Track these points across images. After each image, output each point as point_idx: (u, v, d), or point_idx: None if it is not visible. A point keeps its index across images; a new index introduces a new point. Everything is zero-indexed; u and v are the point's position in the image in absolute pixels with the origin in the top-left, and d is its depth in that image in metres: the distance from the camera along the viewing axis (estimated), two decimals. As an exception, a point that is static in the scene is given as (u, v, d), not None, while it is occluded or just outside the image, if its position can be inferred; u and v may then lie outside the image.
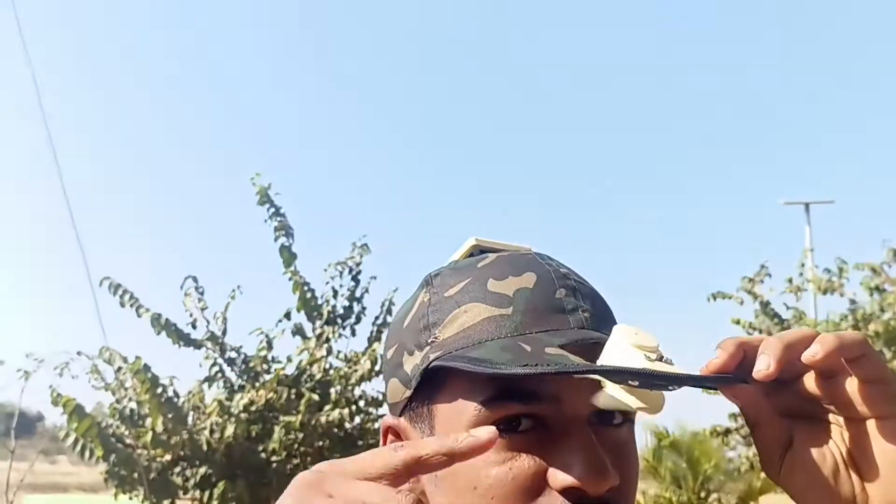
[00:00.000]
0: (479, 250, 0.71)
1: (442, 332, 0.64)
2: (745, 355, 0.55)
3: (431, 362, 0.62)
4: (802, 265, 11.33)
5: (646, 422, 8.46)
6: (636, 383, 0.55)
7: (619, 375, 0.55)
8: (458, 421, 0.61)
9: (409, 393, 0.66)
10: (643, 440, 8.29)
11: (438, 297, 0.66)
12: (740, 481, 8.12)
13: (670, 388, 0.57)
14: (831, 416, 0.57)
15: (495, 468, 0.59)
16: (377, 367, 7.36)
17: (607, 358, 0.58)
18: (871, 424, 0.55)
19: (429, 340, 0.64)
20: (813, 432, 0.58)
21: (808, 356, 0.53)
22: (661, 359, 0.57)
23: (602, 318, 0.66)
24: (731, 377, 0.56)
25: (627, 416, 0.64)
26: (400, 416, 0.69)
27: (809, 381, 0.57)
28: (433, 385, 0.64)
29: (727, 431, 10.86)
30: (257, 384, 7.03)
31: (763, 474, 7.46)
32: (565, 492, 0.58)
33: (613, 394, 0.56)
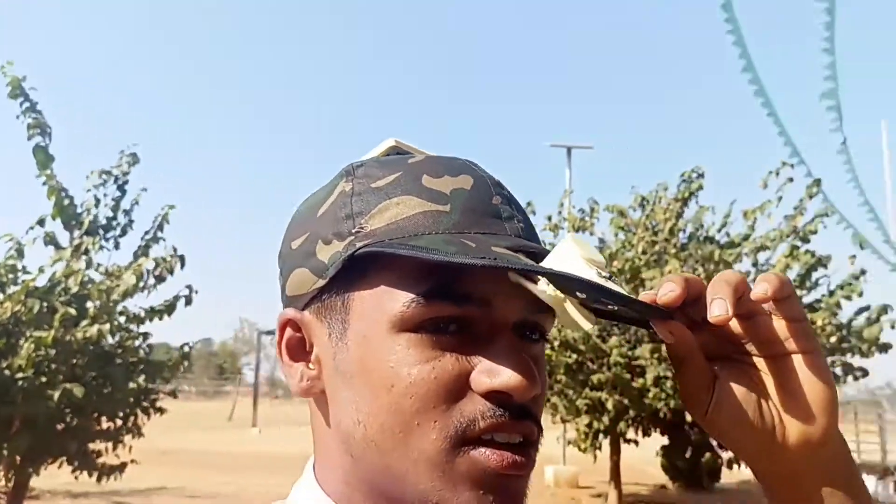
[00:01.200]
0: (396, 151, 0.68)
1: (369, 222, 0.59)
2: (689, 294, 0.55)
3: (358, 249, 0.58)
4: (562, 205, 12.21)
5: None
6: (583, 296, 0.53)
7: (577, 283, 0.52)
8: (381, 314, 0.57)
9: (321, 283, 0.60)
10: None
11: (364, 188, 0.61)
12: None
13: (609, 308, 0.55)
14: (752, 356, 0.57)
15: (417, 367, 0.55)
16: (143, 283, 7.04)
17: (558, 263, 0.55)
18: (793, 360, 0.56)
19: (352, 230, 0.59)
20: (735, 371, 0.58)
21: (758, 294, 0.54)
22: (609, 278, 0.55)
23: (531, 232, 0.64)
24: (665, 312, 0.55)
25: (543, 334, 0.62)
26: (303, 309, 0.63)
27: (732, 322, 0.57)
28: (353, 276, 0.59)
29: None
30: (3, 295, 6.44)
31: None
32: (488, 395, 0.56)
33: (554, 300, 0.54)
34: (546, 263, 0.56)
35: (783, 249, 10.54)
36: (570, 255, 0.55)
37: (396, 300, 0.56)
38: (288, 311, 0.63)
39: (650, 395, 9.96)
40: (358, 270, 0.58)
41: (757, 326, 0.56)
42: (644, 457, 13.15)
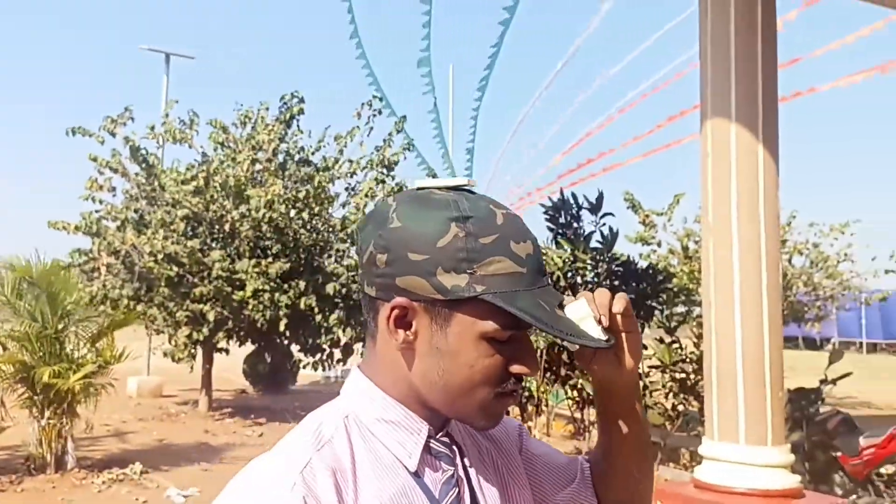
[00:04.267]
0: (464, 186, 0.95)
1: (480, 269, 0.87)
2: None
3: (480, 294, 0.87)
4: (167, 115, 11.82)
5: (4, 258, 8.05)
6: (594, 344, 0.93)
7: (592, 342, 0.92)
8: (475, 328, 0.89)
9: (438, 296, 0.88)
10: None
11: (474, 241, 0.88)
12: (98, 315, 8.44)
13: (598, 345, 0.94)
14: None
15: (487, 358, 0.89)
16: None
17: (578, 317, 0.94)
18: (626, 335, 0.98)
19: (468, 270, 0.87)
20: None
21: (620, 306, 0.95)
22: (599, 322, 0.94)
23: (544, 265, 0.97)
24: (611, 340, 0.95)
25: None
26: (414, 301, 0.89)
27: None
28: (461, 302, 0.88)
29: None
30: None
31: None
32: (516, 376, 0.92)
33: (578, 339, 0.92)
34: (569, 309, 0.95)
35: (373, 176, 11.83)
36: (582, 313, 0.95)
37: (488, 325, 0.89)
38: (400, 300, 0.90)
39: (249, 306, 10.53)
40: (465, 303, 0.89)
41: (617, 318, 0.98)
42: (225, 365, 13.75)
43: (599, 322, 0.94)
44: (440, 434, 0.95)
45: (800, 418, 6.55)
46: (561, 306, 0.94)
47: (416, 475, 0.91)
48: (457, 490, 0.93)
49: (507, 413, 1.05)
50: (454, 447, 0.96)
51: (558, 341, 7.06)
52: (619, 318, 0.96)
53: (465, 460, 0.97)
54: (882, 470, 5.81)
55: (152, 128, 11.77)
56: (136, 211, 11.35)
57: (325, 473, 0.84)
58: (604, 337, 0.94)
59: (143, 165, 11.23)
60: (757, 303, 3.70)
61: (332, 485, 0.84)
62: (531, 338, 1.00)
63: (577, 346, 0.98)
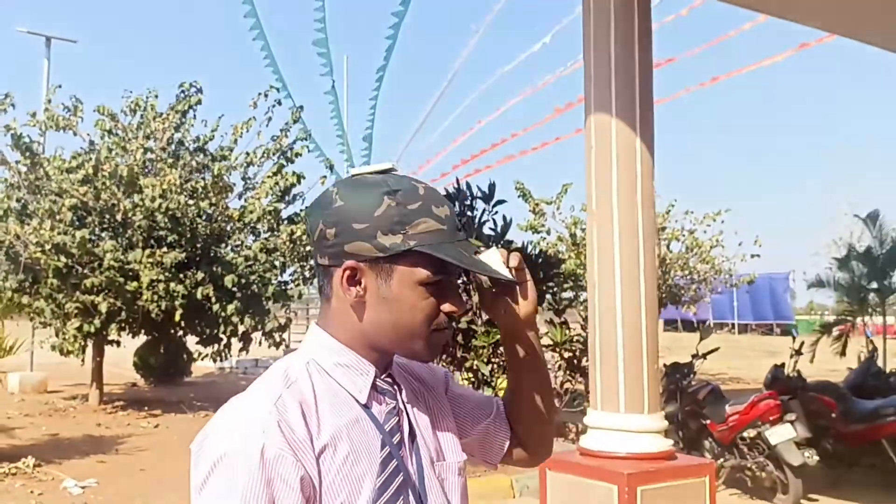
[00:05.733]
0: (391, 169, 1.17)
1: (411, 228, 1.09)
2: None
3: (413, 247, 1.09)
4: (49, 101, 11.39)
5: None
6: (503, 280, 1.17)
7: (504, 277, 1.16)
8: (412, 278, 1.11)
9: (380, 254, 1.09)
10: None
11: (404, 208, 1.10)
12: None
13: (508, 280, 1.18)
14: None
15: (423, 300, 1.11)
16: None
17: (491, 263, 1.16)
18: (521, 285, 1.21)
19: (402, 231, 1.09)
20: (504, 290, 1.23)
21: (515, 261, 1.17)
22: (507, 263, 1.17)
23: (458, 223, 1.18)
24: (515, 280, 1.20)
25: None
26: (360, 262, 1.11)
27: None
28: (398, 256, 1.10)
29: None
30: None
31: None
32: (448, 314, 1.14)
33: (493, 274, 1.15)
34: (482, 257, 1.18)
35: (270, 166, 11.81)
36: (493, 259, 1.18)
37: (421, 272, 1.11)
38: (350, 263, 1.12)
39: (143, 297, 10.36)
40: (401, 255, 1.11)
41: (511, 273, 1.20)
42: (112, 359, 13.42)
43: (507, 266, 1.19)
44: (384, 375, 1.19)
45: (674, 390, 7.14)
46: (476, 255, 1.18)
47: (366, 407, 1.14)
48: (397, 418, 1.17)
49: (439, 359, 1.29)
50: (395, 386, 1.20)
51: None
52: (513, 270, 1.20)
53: (403, 396, 1.21)
54: (745, 434, 6.44)
55: (34, 114, 11.31)
56: (17, 200, 10.91)
57: (294, 405, 1.06)
58: (512, 276, 1.19)
59: (27, 154, 10.80)
60: (635, 284, 4.03)
61: (300, 413, 1.06)
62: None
63: (489, 287, 1.26)
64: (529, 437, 1.38)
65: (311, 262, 10.48)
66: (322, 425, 1.07)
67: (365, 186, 1.13)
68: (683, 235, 14.13)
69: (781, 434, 6.15)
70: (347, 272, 1.12)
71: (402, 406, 1.19)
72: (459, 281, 1.29)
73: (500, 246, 7.95)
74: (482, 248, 1.24)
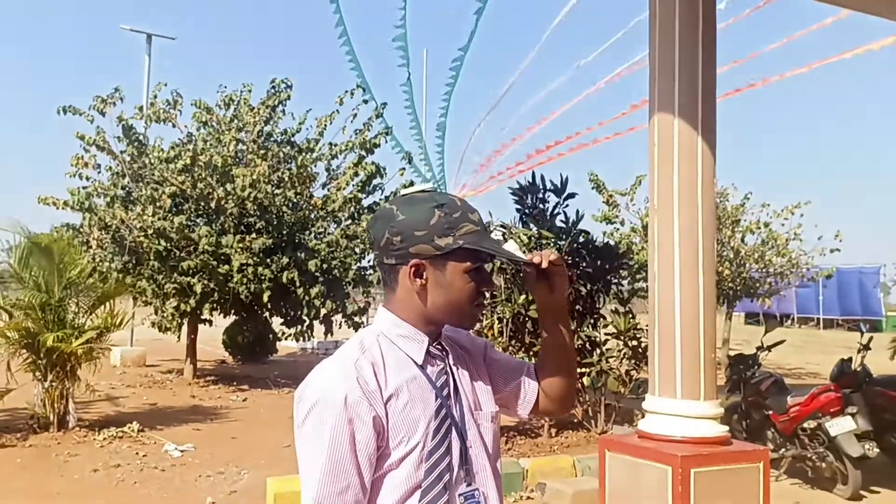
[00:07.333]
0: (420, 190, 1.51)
1: (457, 231, 1.43)
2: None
3: (464, 244, 1.43)
4: (155, 96, 12.17)
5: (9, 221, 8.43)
6: (521, 263, 1.52)
7: (523, 260, 1.50)
8: (460, 268, 1.44)
9: (438, 252, 1.43)
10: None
11: (450, 217, 1.44)
12: (94, 285, 8.88)
13: (523, 264, 1.54)
14: (550, 276, 1.55)
15: (468, 284, 1.45)
16: None
17: (513, 251, 1.48)
18: (555, 272, 1.54)
19: (453, 234, 1.42)
20: (547, 281, 1.55)
21: (554, 257, 1.52)
22: (522, 251, 1.50)
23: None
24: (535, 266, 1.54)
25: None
26: (423, 259, 1.44)
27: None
28: (449, 254, 1.43)
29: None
30: None
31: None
32: (484, 293, 1.49)
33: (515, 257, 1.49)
34: (505, 246, 1.51)
35: (353, 158, 12.35)
36: (513, 245, 1.52)
37: (466, 264, 1.45)
38: (415, 261, 1.45)
39: (234, 279, 11.06)
40: (452, 252, 1.44)
41: (549, 267, 1.55)
42: (202, 337, 14.24)
43: (525, 254, 1.56)
44: (435, 343, 1.55)
45: (738, 381, 7.29)
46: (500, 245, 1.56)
47: (422, 368, 1.50)
48: (446, 376, 1.53)
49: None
50: (444, 351, 1.57)
51: (522, 311, 7.78)
52: (552, 264, 1.55)
53: (451, 359, 1.57)
54: (805, 425, 6.56)
55: (140, 108, 12.13)
56: (123, 188, 11.76)
57: (368, 365, 1.43)
58: (527, 258, 1.55)
59: (135, 144, 11.61)
60: (694, 276, 4.19)
61: (372, 372, 1.42)
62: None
63: (521, 267, 1.63)
64: (554, 391, 1.71)
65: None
66: (388, 380, 1.43)
67: (418, 203, 1.47)
68: (760, 228, 14.01)
69: (841, 426, 6.25)
70: (414, 268, 1.46)
71: (449, 367, 1.54)
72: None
73: (571, 237, 8.24)
74: (504, 241, 1.60)
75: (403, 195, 1.53)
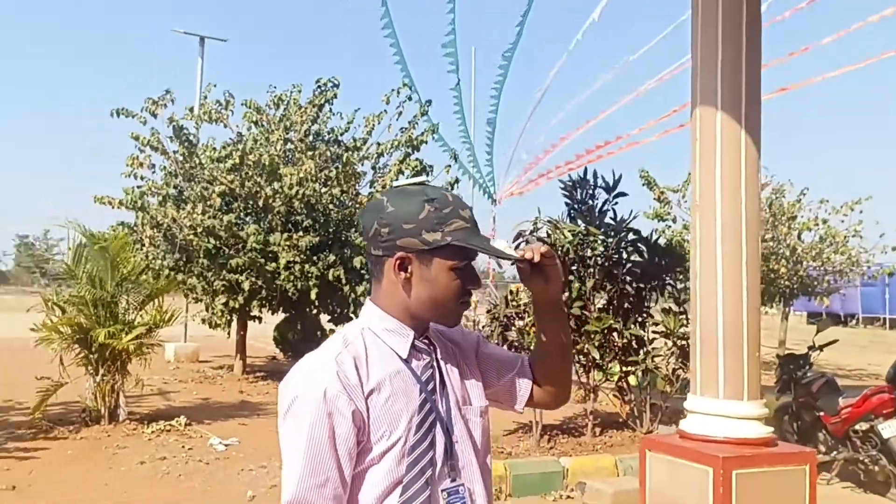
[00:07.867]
0: (422, 182, 1.50)
1: (447, 228, 1.41)
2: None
3: (452, 241, 1.41)
4: (206, 97, 12.41)
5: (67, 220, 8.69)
6: (511, 260, 1.50)
7: (512, 257, 1.48)
8: (446, 265, 1.42)
9: (425, 247, 1.41)
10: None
11: (440, 212, 1.42)
12: (145, 283, 9.10)
13: (515, 261, 1.51)
14: (543, 268, 1.52)
15: (453, 281, 1.44)
16: None
17: (502, 248, 1.50)
18: (550, 266, 1.52)
19: (441, 230, 1.41)
20: (540, 274, 1.53)
21: (544, 250, 1.50)
22: (516, 248, 1.55)
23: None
24: (526, 261, 1.51)
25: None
26: (409, 253, 1.42)
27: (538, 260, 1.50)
28: (437, 249, 1.42)
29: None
30: None
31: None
32: (468, 291, 1.47)
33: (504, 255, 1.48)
34: (493, 244, 1.52)
35: (398, 156, 12.39)
36: (501, 244, 1.54)
37: (454, 260, 1.44)
38: (401, 254, 1.43)
39: (282, 277, 11.19)
40: (440, 248, 1.43)
41: (543, 258, 1.52)
42: (253, 333, 14.47)
43: (516, 252, 1.52)
44: (421, 337, 1.52)
45: (788, 381, 7.07)
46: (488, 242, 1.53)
47: (406, 362, 1.47)
48: (432, 371, 1.50)
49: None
50: (431, 346, 1.54)
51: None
52: (543, 258, 1.52)
53: (438, 353, 1.54)
54: (857, 427, 6.32)
55: (191, 109, 12.38)
56: (175, 187, 12.02)
57: (349, 359, 1.41)
58: (517, 255, 1.51)
59: (186, 144, 11.86)
60: (737, 275, 4.08)
61: (354, 366, 1.40)
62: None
63: (512, 264, 1.59)
64: (549, 384, 1.68)
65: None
66: (371, 374, 1.42)
67: (409, 195, 1.45)
68: (817, 225, 13.58)
69: (894, 428, 6.01)
70: (399, 261, 1.44)
71: (436, 362, 1.52)
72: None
73: (621, 233, 8.09)
74: (493, 239, 1.56)
75: (396, 187, 1.51)
